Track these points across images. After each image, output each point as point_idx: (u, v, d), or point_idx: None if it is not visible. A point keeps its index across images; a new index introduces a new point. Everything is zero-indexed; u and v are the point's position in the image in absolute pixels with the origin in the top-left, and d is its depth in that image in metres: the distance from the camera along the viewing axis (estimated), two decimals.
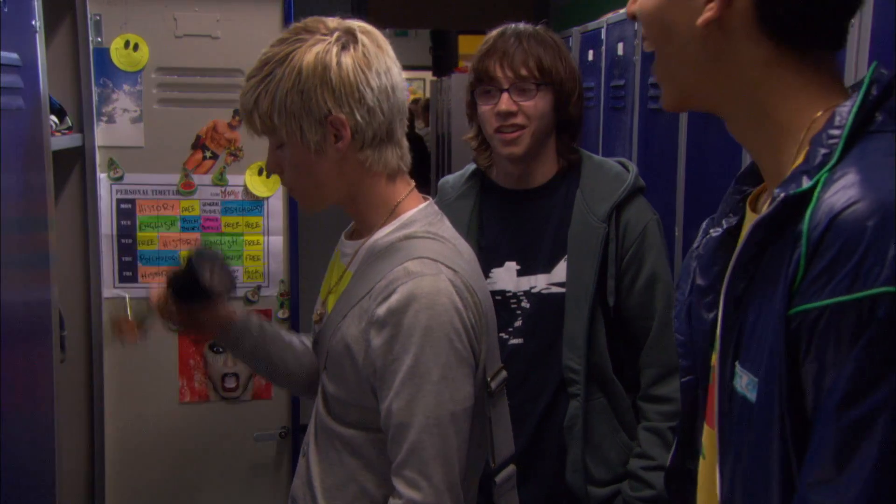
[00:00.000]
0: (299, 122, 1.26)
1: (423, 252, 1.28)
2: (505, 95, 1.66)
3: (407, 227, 1.33)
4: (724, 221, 0.92)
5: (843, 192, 0.70)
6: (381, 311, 1.24)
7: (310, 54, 1.25)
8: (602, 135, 2.88)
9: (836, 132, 0.76)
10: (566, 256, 1.72)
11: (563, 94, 1.70)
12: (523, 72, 1.65)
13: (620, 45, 2.65)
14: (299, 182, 1.34)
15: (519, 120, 1.67)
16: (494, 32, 1.72)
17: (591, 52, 3.02)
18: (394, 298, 1.24)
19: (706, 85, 0.85)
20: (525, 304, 1.75)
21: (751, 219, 0.89)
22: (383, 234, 1.33)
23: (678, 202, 2.13)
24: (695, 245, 0.96)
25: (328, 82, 1.24)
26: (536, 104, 1.67)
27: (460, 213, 1.78)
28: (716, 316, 0.87)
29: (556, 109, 1.70)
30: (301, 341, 1.56)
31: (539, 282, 1.74)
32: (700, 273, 0.93)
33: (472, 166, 1.86)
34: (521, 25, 1.73)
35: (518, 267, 1.75)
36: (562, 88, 1.69)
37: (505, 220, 1.78)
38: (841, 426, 0.67)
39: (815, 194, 0.73)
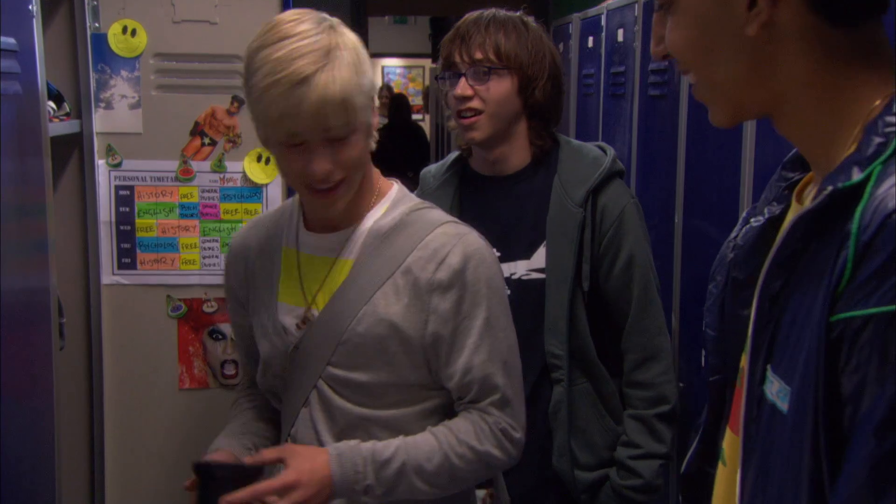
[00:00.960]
0: (369, 103, 1.28)
1: (444, 217, 1.37)
2: (462, 80, 1.68)
3: (402, 204, 1.37)
4: (766, 210, 0.85)
5: None
6: (443, 275, 1.29)
7: (347, 37, 1.25)
8: (602, 121, 2.87)
9: (893, 119, 0.69)
10: (545, 242, 1.72)
11: (527, 78, 1.69)
12: (478, 55, 1.67)
13: (620, 32, 2.64)
14: (357, 173, 1.30)
15: (475, 104, 1.68)
16: (467, 18, 1.73)
17: (590, 39, 3.01)
18: (453, 261, 1.30)
19: (760, 93, 0.79)
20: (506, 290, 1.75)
21: (796, 210, 0.83)
22: (381, 215, 1.36)
23: (678, 188, 2.12)
24: (733, 234, 0.90)
25: (366, 62, 1.28)
26: (491, 88, 1.68)
27: (441, 202, 1.78)
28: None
29: (521, 94, 1.70)
30: (257, 402, 1.54)
31: (519, 268, 1.74)
32: (738, 265, 0.87)
33: (452, 155, 1.87)
34: (490, 11, 1.73)
35: (498, 254, 1.75)
36: (524, 73, 1.69)
37: (483, 207, 1.78)
38: (880, 451, 0.61)
39: (868, 189, 0.66)
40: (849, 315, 0.64)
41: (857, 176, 0.68)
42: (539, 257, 1.73)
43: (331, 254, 1.36)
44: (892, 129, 0.69)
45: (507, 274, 1.75)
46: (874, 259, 0.63)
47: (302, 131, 1.22)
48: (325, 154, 1.24)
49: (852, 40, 0.75)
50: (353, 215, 1.36)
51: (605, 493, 1.74)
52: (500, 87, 1.68)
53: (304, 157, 1.24)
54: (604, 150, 1.76)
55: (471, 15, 1.73)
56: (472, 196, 1.80)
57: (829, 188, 0.69)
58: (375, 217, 1.35)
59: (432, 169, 1.88)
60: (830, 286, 0.66)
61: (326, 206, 1.31)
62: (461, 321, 1.30)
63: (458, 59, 1.69)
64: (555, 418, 1.72)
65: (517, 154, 1.75)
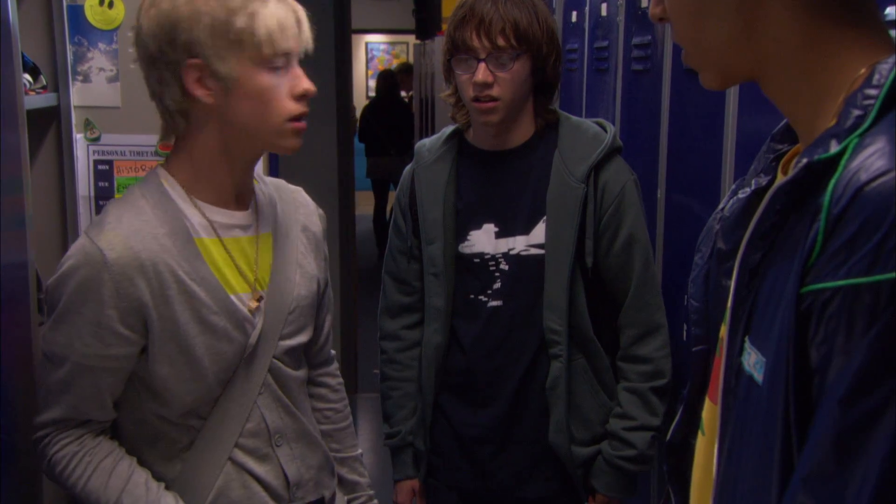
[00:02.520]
0: None
1: (280, 180, 1.51)
2: (482, 66, 1.64)
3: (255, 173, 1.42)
4: (753, 182, 0.85)
5: (870, 163, 0.63)
6: (322, 225, 1.49)
7: None
8: (585, 96, 2.86)
9: (872, 92, 0.68)
10: (545, 218, 1.72)
11: (541, 58, 1.68)
12: (500, 41, 1.62)
13: (604, 6, 2.63)
14: None
15: (494, 91, 1.65)
16: None
17: (574, 14, 2.99)
18: (319, 212, 1.50)
19: (746, 58, 0.78)
20: (504, 265, 1.74)
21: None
22: (259, 186, 1.42)
23: (661, 164, 2.12)
24: (720, 206, 0.90)
25: None
26: (513, 75, 1.65)
27: (437, 176, 1.78)
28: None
29: (534, 73, 1.69)
30: None
31: (518, 243, 1.74)
32: (723, 236, 0.87)
33: (448, 129, 1.85)
34: None
35: (496, 229, 1.75)
36: (539, 53, 1.67)
37: (482, 181, 1.77)
38: (844, 422, 0.61)
39: (842, 162, 0.66)
40: (817, 287, 0.64)
41: (833, 149, 0.68)
42: (538, 233, 1.73)
43: (251, 231, 1.34)
44: (871, 101, 0.68)
45: (505, 249, 1.74)
46: (844, 232, 0.63)
47: None
48: None
49: (843, 7, 0.74)
50: (251, 190, 1.38)
51: (597, 465, 1.76)
52: (521, 72, 1.65)
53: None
54: (603, 128, 1.76)
55: None
56: (470, 170, 1.79)
57: (805, 160, 0.69)
58: (259, 189, 1.40)
59: (427, 143, 1.86)
60: (802, 258, 0.66)
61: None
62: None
63: (476, 43, 1.63)
64: (552, 394, 1.73)
65: (521, 129, 1.75)
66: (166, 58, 1.22)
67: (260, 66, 1.22)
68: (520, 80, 1.66)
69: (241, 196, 1.34)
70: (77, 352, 1.24)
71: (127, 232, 1.23)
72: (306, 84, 1.26)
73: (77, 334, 1.23)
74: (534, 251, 1.73)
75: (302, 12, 1.27)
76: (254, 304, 1.32)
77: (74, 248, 1.25)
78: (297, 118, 1.27)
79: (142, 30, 1.24)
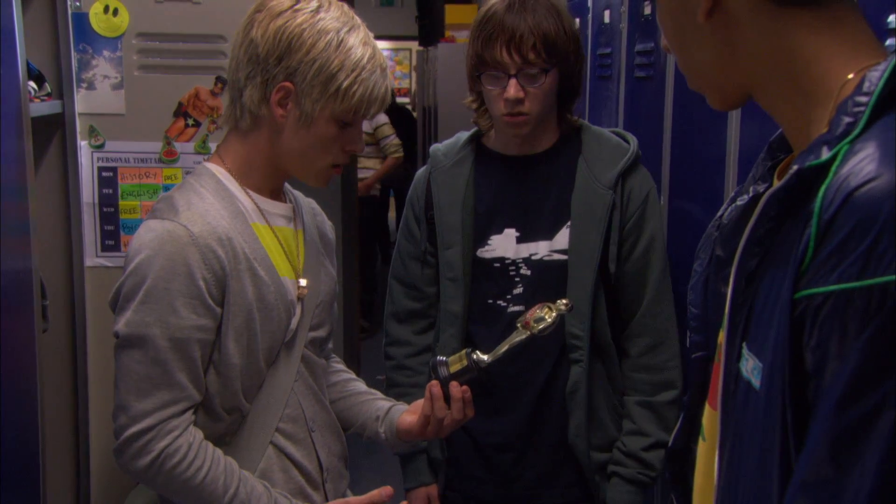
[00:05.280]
0: None
1: None
2: (513, 81, 1.62)
3: None
4: (751, 189, 0.86)
5: (859, 168, 0.64)
6: (333, 233, 1.54)
7: None
8: (588, 103, 2.87)
9: (863, 99, 0.69)
10: (569, 223, 1.71)
11: (569, 68, 1.68)
12: (531, 56, 1.61)
13: (607, 13, 2.63)
14: None
15: (525, 107, 1.64)
16: (499, 6, 1.63)
17: (577, 21, 2.99)
18: (325, 215, 1.56)
19: (734, 77, 0.80)
20: (525, 270, 1.74)
21: None
22: (286, 187, 1.47)
23: (664, 171, 2.12)
24: (719, 213, 0.91)
25: None
26: (544, 89, 1.64)
27: (456, 180, 1.77)
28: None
29: (561, 82, 1.69)
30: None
31: (540, 249, 1.73)
32: (721, 243, 0.88)
33: (464, 134, 1.83)
34: None
35: (518, 234, 1.74)
36: (567, 63, 1.67)
37: (504, 186, 1.76)
38: (840, 425, 0.62)
39: (833, 168, 0.67)
40: (810, 292, 0.65)
41: (825, 155, 0.69)
42: (562, 238, 1.72)
43: (290, 224, 1.42)
44: (861, 108, 0.69)
45: (526, 254, 1.73)
46: (835, 237, 0.64)
47: None
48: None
49: (813, 16, 0.75)
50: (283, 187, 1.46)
51: (615, 482, 1.75)
52: (551, 85, 1.65)
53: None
54: (623, 138, 1.77)
55: (505, 2, 1.62)
56: (490, 175, 1.78)
57: (796, 167, 0.70)
58: (286, 188, 1.46)
59: (441, 147, 1.84)
60: (796, 264, 0.67)
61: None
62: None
63: (507, 59, 1.61)
64: (572, 398, 1.72)
65: (546, 135, 1.75)
66: (267, 67, 1.29)
67: (336, 119, 1.32)
68: (549, 94, 1.66)
69: (280, 191, 1.43)
70: (171, 326, 1.25)
71: (201, 211, 1.30)
72: (360, 145, 1.38)
73: (169, 309, 1.24)
74: (557, 256, 1.72)
75: (389, 86, 1.36)
76: (305, 292, 1.40)
77: (151, 234, 1.27)
78: (337, 165, 1.37)
79: (253, 29, 1.30)
